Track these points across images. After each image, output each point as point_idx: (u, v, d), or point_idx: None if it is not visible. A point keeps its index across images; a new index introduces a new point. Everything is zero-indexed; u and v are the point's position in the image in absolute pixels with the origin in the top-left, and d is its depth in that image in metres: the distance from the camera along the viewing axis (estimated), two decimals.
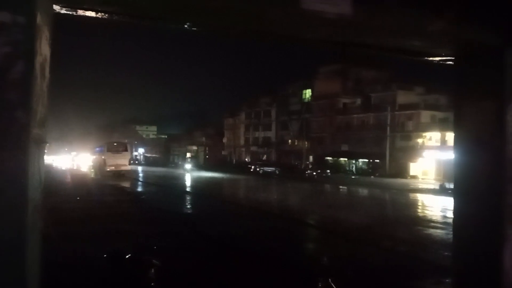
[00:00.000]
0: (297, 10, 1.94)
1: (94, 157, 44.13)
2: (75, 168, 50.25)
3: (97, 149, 44.08)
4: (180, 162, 78.65)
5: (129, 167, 39.24)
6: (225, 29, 2.31)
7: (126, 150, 40.23)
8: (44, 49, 1.75)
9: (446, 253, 8.75)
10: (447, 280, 6.82)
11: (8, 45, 1.60)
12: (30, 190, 1.61)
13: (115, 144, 41.97)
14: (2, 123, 1.57)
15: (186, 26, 2.33)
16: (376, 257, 9.98)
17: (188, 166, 59.74)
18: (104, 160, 38.21)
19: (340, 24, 2.08)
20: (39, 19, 1.66)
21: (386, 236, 11.99)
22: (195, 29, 2.22)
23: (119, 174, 36.48)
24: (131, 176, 39.69)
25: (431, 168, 47.87)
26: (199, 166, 66.52)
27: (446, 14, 2.19)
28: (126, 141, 50.96)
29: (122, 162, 37.84)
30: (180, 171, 55.50)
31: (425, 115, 51.42)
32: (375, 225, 14.00)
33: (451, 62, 2.66)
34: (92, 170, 42.78)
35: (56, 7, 1.91)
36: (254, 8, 1.95)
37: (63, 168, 53.18)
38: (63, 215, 13.01)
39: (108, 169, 37.21)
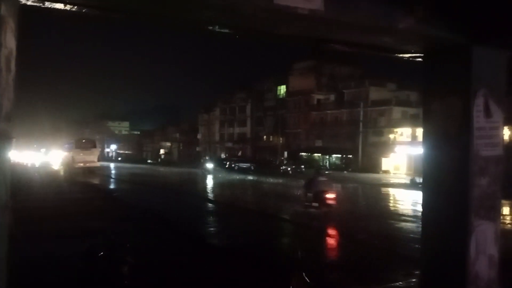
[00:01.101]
0: (270, 6, 1.94)
1: (63, 154, 44.12)
2: (43, 165, 49.09)
3: (66, 145, 44.33)
4: (151, 160, 77.72)
5: (98, 164, 39.59)
6: (198, 24, 2.29)
7: (94, 146, 40.92)
8: (9, 42, 1.69)
9: (416, 246, 8.98)
10: (417, 272, 7.02)
11: None
12: None
13: (83, 141, 42.49)
14: None
15: (155, 19, 2.30)
16: (349, 250, 10.17)
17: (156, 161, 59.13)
18: (73, 157, 38.48)
19: (313, 20, 2.10)
20: (3, 10, 1.61)
21: (359, 230, 12.20)
22: (165, 22, 2.19)
23: (89, 171, 36.71)
24: (103, 173, 39.07)
25: (402, 163, 48.99)
26: (173, 162, 65.87)
27: (416, 11, 2.24)
28: (96, 137, 50.44)
29: (90, 158, 38.27)
30: (151, 167, 54.86)
31: (397, 111, 52.51)
32: (348, 219, 14.23)
33: (420, 59, 2.73)
34: (61, 167, 42.59)
35: None
36: (226, 3, 1.95)
37: (31, 165, 51.77)
38: (31, 214, 12.68)
39: (76, 166, 37.41)
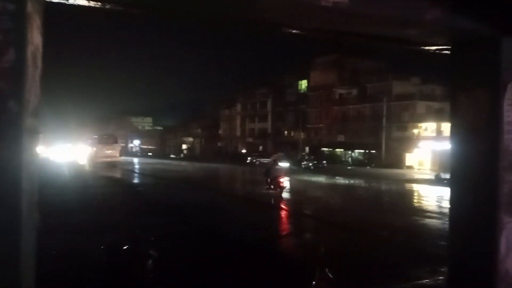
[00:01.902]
0: None
1: (87, 148, 46.29)
2: (68, 159, 50.55)
3: (89, 141, 47.08)
4: (174, 155, 78.61)
5: (120, 158, 42.01)
6: (217, 18, 2.28)
7: (116, 142, 43.67)
8: (35, 38, 1.72)
9: (442, 243, 8.82)
10: (442, 269, 6.89)
11: None
12: (24, 181, 1.59)
13: (105, 136, 45.12)
14: None
15: (178, 14, 2.30)
16: (373, 246, 10.06)
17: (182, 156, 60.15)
18: (96, 151, 41.00)
19: (336, 13, 2.06)
20: (29, 7, 1.63)
21: (383, 226, 12.06)
22: (185, 17, 2.19)
23: (112, 165, 38.47)
24: (126, 167, 39.76)
25: (427, 158, 48.10)
26: (195, 157, 66.44)
27: (443, 2, 2.17)
28: (120, 133, 52.26)
29: (112, 153, 40.97)
30: (176, 162, 55.56)
31: (421, 106, 51.53)
32: (372, 215, 14.08)
33: (447, 52, 2.65)
34: (85, 161, 43.97)
35: None
36: None
37: (57, 159, 53.06)
38: (56, 208, 12.99)
39: (99, 160, 39.65)
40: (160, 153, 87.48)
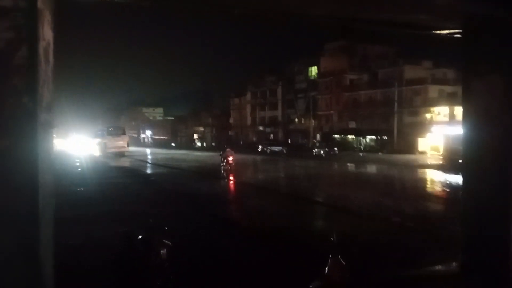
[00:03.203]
0: None
1: (97, 140, 48.12)
2: (81, 151, 51.58)
3: (99, 133, 49.06)
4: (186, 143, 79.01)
5: (128, 148, 44.39)
6: (226, 8, 2.28)
7: (124, 133, 45.85)
8: (47, 34, 1.74)
9: (455, 229, 8.78)
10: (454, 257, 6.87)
11: (10, 30, 1.59)
12: (40, 175, 1.63)
13: (113, 128, 47.85)
14: (8, 109, 1.58)
15: (186, 6, 2.30)
16: (386, 233, 10.06)
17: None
18: (105, 143, 43.01)
19: (345, 0, 2.05)
20: (40, 3, 1.65)
21: (397, 212, 12.04)
22: (192, 8, 2.19)
23: (121, 155, 41.20)
24: (138, 157, 40.21)
25: (440, 143, 47.61)
26: (206, 147, 66.75)
27: None
28: (132, 124, 53.93)
29: (121, 144, 43.18)
30: (187, 151, 55.89)
31: (433, 90, 50.85)
32: (385, 201, 14.05)
33: (458, 35, 2.61)
34: (95, 152, 46.01)
35: None
36: None
37: (70, 151, 53.87)
38: (71, 198, 13.20)
39: (109, 151, 41.80)
40: (171, 143, 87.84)
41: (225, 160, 24.73)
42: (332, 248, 2.64)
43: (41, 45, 1.68)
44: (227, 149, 26.07)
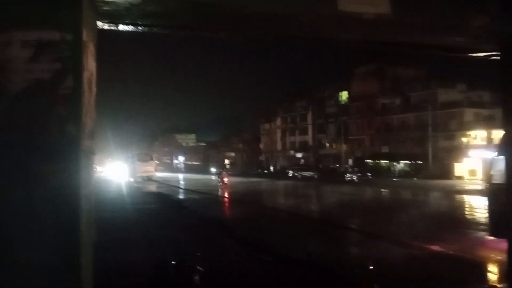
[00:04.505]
0: (333, 12, 1.92)
1: (128, 165, 53.28)
2: (118, 176, 53.74)
3: (129, 159, 54.32)
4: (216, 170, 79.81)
5: (156, 173, 48.98)
6: (260, 35, 2.33)
7: (152, 159, 50.64)
8: (90, 64, 1.83)
9: (499, 258, 8.37)
10: (500, 286, 6.54)
11: (57, 61, 1.68)
12: (82, 200, 1.68)
13: (143, 154, 53.43)
14: (53, 136, 1.65)
15: (222, 34, 2.37)
16: (423, 261, 9.68)
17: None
18: (136, 168, 47.58)
19: (378, 24, 2.05)
20: (85, 35, 1.74)
21: (438, 241, 11.60)
22: (225, 35, 2.25)
23: (149, 179, 45.56)
24: (171, 183, 40.79)
25: (478, 168, 45.89)
26: (237, 172, 67.03)
27: (489, 8, 2.11)
28: (165, 150, 57.96)
29: (149, 169, 47.96)
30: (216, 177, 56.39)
31: (469, 113, 49.53)
32: (424, 229, 13.57)
33: (496, 57, 2.56)
34: (126, 176, 49.74)
35: (100, 24, 1.99)
36: (289, 12, 1.96)
37: (109, 176, 55.72)
38: (105, 223, 13.39)
39: (139, 175, 46.10)
40: (203, 169, 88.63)
41: (221, 180, 33.81)
42: (370, 277, 2.57)
43: (85, 75, 1.76)
44: (223, 172, 36.05)
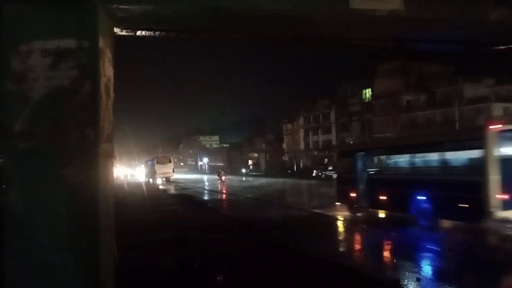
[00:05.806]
0: (345, 11, 1.92)
1: (149, 167, 56.60)
2: (138, 178, 57.62)
3: (149, 162, 57.82)
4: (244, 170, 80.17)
5: (173, 174, 52.03)
6: (274, 36, 2.34)
7: (170, 161, 53.20)
8: (107, 70, 1.88)
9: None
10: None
11: (75, 68, 1.73)
12: (101, 202, 1.72)
13: (162, 157, 55.85)
14: (73, 140, 1.71)
15: (237, 36, 2.39)
16: (453, 260, 9.49)
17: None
18: (155, 170, 50.37)
19: (391, 21, 2.03)
20: (101, 42, 1.78)
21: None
22: (241, 38, 2.27)
23: (168, 179, 49.06)
24: (195, 185, 41.20)
25: None
26: (260, 172, 66.98)
27: (506, 1, 2.06)
28: (190, 152, 60.10)
29: (168, 171, 50.94)
30: (242, 178, 56.65)
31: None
32: (457, 230, 13.29)
33: None
34: (147, 178, 53.88)
35: (117, 30, 2.04)
36: (302, 12, 1.96)
37: (130, 178, 58.21)
38: (129, 224, 13.60)
39: (158, 177, 49.09)
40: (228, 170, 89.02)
41: (220, 178, 40.37)
42: (394, 276, 2.54)
43: (103, 81, 1.81)
44: (221, 172, 42.67)
